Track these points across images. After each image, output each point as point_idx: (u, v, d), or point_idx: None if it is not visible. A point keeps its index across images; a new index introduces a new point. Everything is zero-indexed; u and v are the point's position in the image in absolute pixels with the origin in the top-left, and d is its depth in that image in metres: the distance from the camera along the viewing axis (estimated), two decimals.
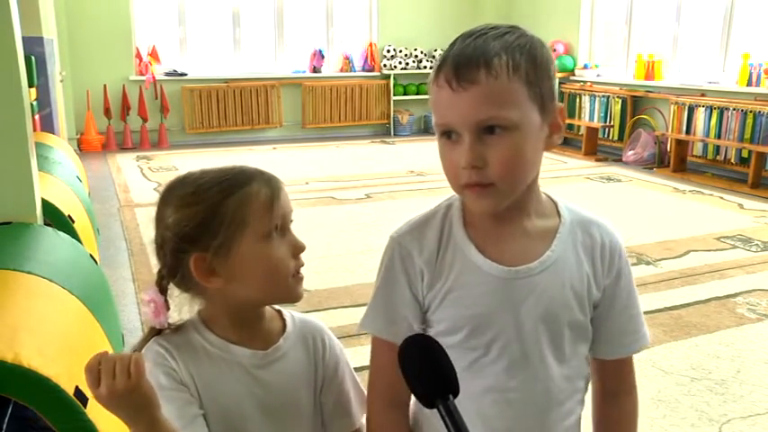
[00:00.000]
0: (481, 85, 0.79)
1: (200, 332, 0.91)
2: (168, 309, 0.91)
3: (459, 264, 0.89)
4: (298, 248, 0.91)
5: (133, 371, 0.74)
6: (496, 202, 0.85)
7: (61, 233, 2.36)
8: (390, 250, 0.93)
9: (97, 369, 0.74)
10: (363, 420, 1.00)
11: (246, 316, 0.93)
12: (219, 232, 0.87)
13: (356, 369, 1.04)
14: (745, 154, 6.02)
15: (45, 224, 2.44)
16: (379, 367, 0.94)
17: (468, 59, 0.80)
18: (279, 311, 0.98)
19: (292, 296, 0.92)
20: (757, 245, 4.14)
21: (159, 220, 0.91)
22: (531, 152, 0.83)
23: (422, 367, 0.75)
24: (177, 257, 0.88)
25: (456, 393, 0.74)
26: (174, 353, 0.88)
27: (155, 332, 0.91)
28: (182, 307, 0.93)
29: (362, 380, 1.03)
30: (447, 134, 0.84)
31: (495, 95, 0.80)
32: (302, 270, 0.92)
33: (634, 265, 3.74)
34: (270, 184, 0.91)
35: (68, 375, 1.42)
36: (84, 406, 1.40)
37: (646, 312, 3.22)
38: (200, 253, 0.87)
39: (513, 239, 0.89)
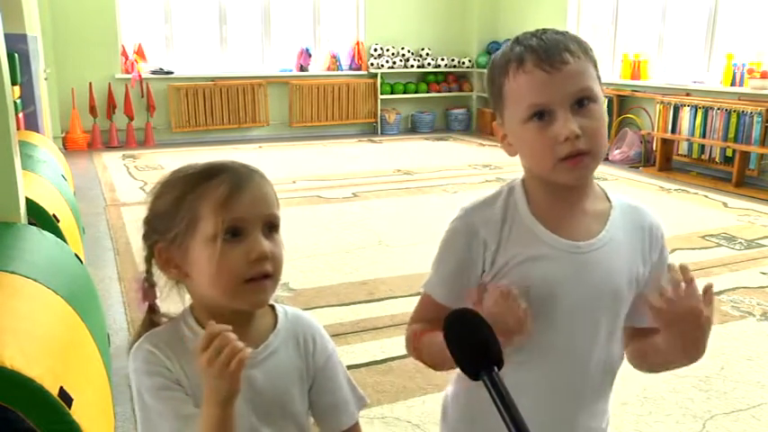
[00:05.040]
0: (570, 64, 0.91)
1: (190, 326, 0.90)
2: (155, 296, 0.92)
3: (525, 238, 0.97)
4: (252, 254, 0.85)
5: (233, 365, 0.77)
6: (588, 171, 0.95)
7: (46, 232, 2.34)
8: (458, 224, 1.00)
9: (216, 335, 0.78)
10: (358, 417, 1.00)
11: (224, 312, 0.89)
12: (174, 225, 0.87)
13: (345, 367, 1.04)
14: (729, 153, 6.08)
15: (29, 223, 2.41)
16: (422, 310, 1.04)
17: (553, 47, 0.91)
18: (272, 306, 0.96)
19: (246, 303, 0.88)
20: (741, 243, 4.18)
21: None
22: (606, 123, 0.95)
23: (466, 340, 0.80)
24: (147, 244, 0.91)
25: (500, 365, 0.77)
26: (166, 351, 0.87)
27: (148, 325, 0.92)
28: (177, 305, 0.93)
29: (355, 378, 1.03)
30: (538, 115, 0.91)
31: (582, 72, 0.92)
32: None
33: None
34: (235, 181, 0.86)
35: (52, 376, 1.41)
36: (69, 407, 1.38)
37: None
38: (162, 243, 0.89)
39: (572, 219, 0.98)
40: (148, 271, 0.92)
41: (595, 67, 0.95)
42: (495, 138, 1.03)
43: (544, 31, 0.95)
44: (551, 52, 0.91)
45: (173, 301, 0.95)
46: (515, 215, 0.98)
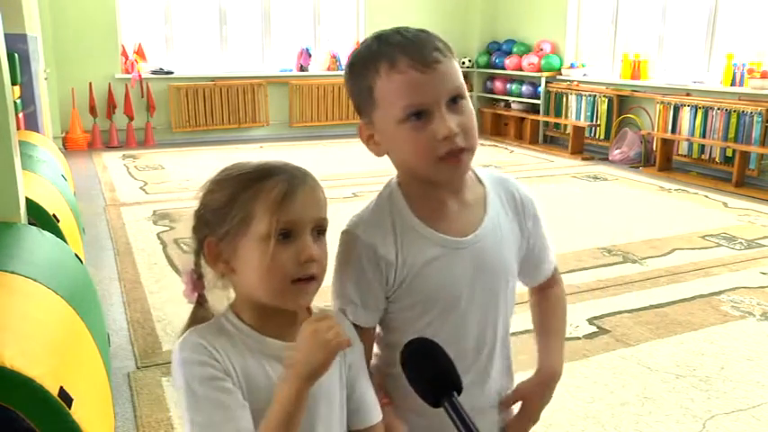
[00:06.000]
0: (443, 63, 0.92)
1: (232, 322, 0.92)
2: (203, 287, 0.94)
3: (417, 244, 0.98)
4: (302, 257, 0.87)
5: (335, 341, 0.83)
6: (467, 167, 0.96)
7: (46, 232, 2.34)
8: (352, 245, 0.99)
9: (327, 316, 0.86)
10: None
11: (267, 310, 0.91)
12: (226, 222, 0.89)
13: None
14: (729, 153, 6.08)
15: (29, 223, 2.42)
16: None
17: (423, 46, 0.92)
18: None
19: (291, 303, 0.90)
20: (741, 243, 4.18)
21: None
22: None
23: (425, 370, 0.81)
24: (197, 238, 0.93)
25: (459, 390, 0.79)
26: (213, 343, 0.88)
27: (195, 319, 0.93)
28: (223, 299, 0.95)
29: None
30: (416, 115, 0.91)
31: (453, 71, 0.93)
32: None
33: (620, 263, 3.77)
34: (290, 183, 0.88)
35: (53, 376, 1.41)
36: (69, 407, 1.38)
37: (631, 310, 3.23)
38: (212, 238, 0.91)
39: (455, 213, 1.00)
40: (197, 263, 0.93)
41: (457, 63, 0.96)
42: (360, 138, 1.01)
43: (406, 29, 0.95)
44: (424, 52, 0.91)
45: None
46: (402, 223, 0.98)
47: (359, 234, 0.99)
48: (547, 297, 1.16)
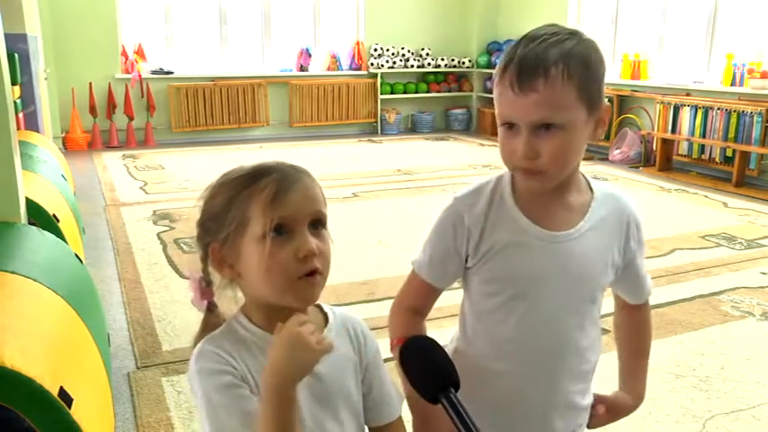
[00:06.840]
0: (539, 92, 0.92)
1: (244, 326, 0.92)
2: (212, 294, 0.94)
3: (507, 226, 1.03)
4: (300, 252, 0.86)
5: (318, 349, 0.82)
6: (544, 184, 1.00)
7: (46, 232, 2.34)
8: (447, 212, 1.08)
9: (305, 320, 0.85)
10: (402, 409, 1.03)
11: (275, 309, 0.90)
12: (225, 226, 0.89)
13: None
14: (729, 153, 6.08)
15: (29, 223, 2.42)
16: (411, 289, 1.14)
17: (529, 67, 0.93)
18: (318, 305, 0.99)
19: (297, 300, 0.90)
20: (741, 243, 4.18)
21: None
22: (577, 145, 0.98)
23: (421, 367, 0.84)
24: (201, 245, 0.93)
25: (457, 386, 0.80)
26: (229, 350, 0.89)
27: (207, 326, 0.94)
28: (231, 303, 0.95)
29: None
30: (508, 125, 0.98)
31: (550, 101, 0.93)
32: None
33: None
34: (282, 181, 0.88)
35: (52, 376, 1.41)
36: (69, 407, 1.38)
37: None
38: (215, 243, 0.91)
39: (555, 211, 1.04)
40: (205, 270, 0.94)
41: (584, 87, 0.94)
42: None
43: (545, 37, 0.95)
44: (525, 76, 0.93)
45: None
46: (501, 204, 1.04)
47: (454, 202, 1.07)
48: (636, 318, 1.20)
